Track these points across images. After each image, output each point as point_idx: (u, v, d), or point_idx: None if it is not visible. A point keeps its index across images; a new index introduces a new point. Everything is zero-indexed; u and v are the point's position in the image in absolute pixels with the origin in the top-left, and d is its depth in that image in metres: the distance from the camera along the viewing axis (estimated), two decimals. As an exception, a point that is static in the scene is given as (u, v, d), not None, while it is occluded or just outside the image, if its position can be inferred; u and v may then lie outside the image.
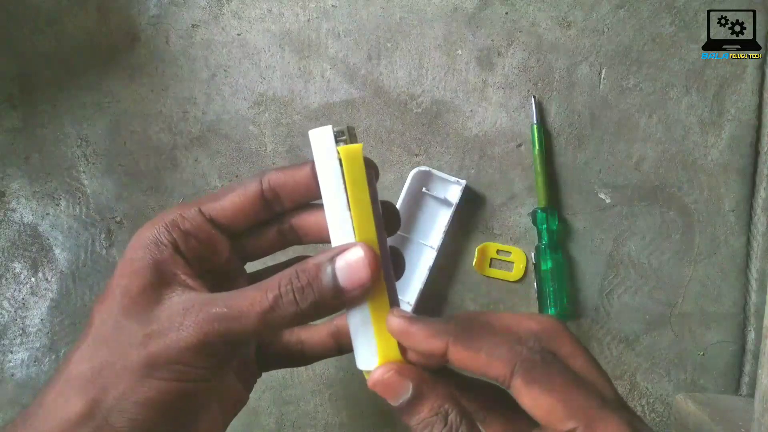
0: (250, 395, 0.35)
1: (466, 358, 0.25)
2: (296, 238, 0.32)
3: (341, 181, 0.27)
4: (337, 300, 0.27)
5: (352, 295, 0.27)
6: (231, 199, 0.31)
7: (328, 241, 0.28)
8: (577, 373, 0.25)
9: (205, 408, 0.30)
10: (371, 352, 0.27)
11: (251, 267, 0.34)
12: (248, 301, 0.27)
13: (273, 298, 0.27)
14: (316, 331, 0.35)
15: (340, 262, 0.27)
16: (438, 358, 0.26)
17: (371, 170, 0.28)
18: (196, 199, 0.32)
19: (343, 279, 0.26)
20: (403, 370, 0.27)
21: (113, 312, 0.28)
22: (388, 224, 0.31)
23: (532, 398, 0.24)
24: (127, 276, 0.28)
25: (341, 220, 0.27)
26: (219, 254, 0.31)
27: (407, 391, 0.26)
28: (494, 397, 0.29)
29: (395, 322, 0.27)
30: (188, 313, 0.26)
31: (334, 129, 0.26)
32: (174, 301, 0.27)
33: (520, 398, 0.25)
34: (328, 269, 0.27)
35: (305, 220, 0.32)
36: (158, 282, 0.28)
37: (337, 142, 0.26)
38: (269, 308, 0.26)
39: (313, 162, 0.28)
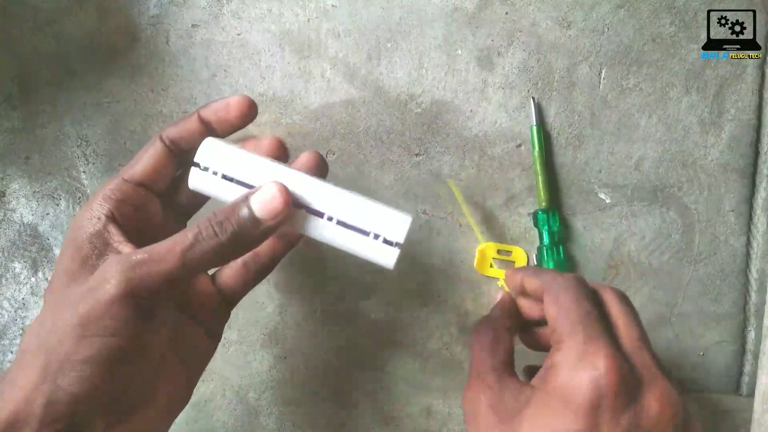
0: (250, 395, 0.35)
1: (533, 285, 0.36)
2: None
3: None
4: (257, 229, 0.30)
5: (270, 225, 0.30)
6: (144, 162, 0.34)
7: None
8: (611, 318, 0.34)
9: (164, 364, 0.32)
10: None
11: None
12: (168, 244, 0.29)
13: (193, 235, 0.29)
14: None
15: (254, 198, 0.30)
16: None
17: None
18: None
19: (258, 211, 0.30)
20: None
21: (57, 287, 0.30)
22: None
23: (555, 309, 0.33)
24: (66, 255, 0.31)
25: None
26: (154, 214, 0.35)
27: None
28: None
29: (512, 275, 0.39)
30: (112, 268, 0.29)
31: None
32: (105, 263, 0.29)
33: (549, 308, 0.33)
34: (243, 204, 0.30)
35: None
36: (94, 254, 0.31)
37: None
38: (189, 245, 0.29)
39: (198, 110, 0.35)
